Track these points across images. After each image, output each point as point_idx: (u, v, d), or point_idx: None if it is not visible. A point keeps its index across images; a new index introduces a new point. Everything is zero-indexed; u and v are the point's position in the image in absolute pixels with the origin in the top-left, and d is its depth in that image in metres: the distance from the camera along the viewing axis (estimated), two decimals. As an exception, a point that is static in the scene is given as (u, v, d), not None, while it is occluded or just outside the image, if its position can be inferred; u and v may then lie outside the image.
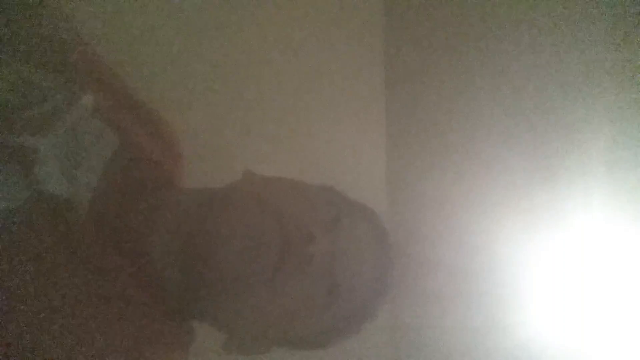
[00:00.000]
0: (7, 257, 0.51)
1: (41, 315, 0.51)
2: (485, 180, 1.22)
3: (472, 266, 1.20)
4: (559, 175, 1.14)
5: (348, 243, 0.64)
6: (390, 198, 1.32)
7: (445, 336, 1.24)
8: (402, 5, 1.37)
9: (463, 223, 1.23)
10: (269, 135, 1.06)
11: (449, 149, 1.29)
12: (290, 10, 1.16)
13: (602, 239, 1.07)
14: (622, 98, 1.06)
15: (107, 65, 0.69)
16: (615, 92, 1.06)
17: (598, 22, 1.07)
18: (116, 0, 0.88)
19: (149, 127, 0.70)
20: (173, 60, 0.94)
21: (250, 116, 1.04)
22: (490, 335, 1.17)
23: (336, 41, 1.25)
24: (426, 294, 1.26)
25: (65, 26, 0.61)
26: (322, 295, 0.62)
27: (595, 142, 1.10)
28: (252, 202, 0.62)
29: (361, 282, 0.65)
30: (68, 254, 0.54)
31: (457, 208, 1.23)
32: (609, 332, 1.07)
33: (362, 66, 1.34)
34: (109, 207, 0.60)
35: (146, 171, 0.66)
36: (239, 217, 0.60)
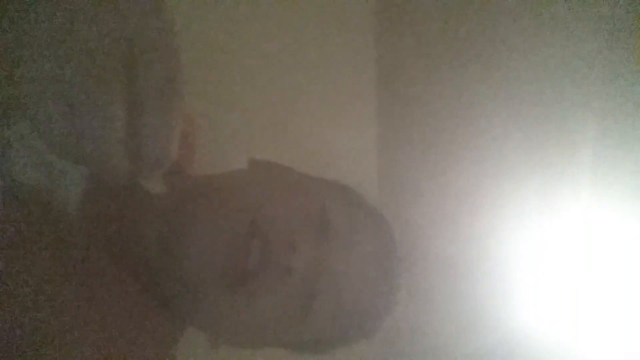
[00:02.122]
0: None
1: (22, 313, 0.48)
2: (478, 173, 1.23)
3: (465, 258, 1.20)
4: (549, 166, 1.15)
5: (336, 252, 0.58)
6: (382, 191, 1.32)
7: (440, 329, 1.24)
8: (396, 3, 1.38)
9: (455, 216, 1.24)
10: (262, 131, 1.06)
11: (441, 142, 1.29)
12: (286, 7, 1.16)
13: (596, 234, 1.09)
14: (611, 93, 1.07)
15: None
16: (605, 87, 1.08)
17: (591, 21, 1.08)
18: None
19: None
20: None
21: (244, 111, 1.05)
22: (484, 328, 1.18)
23: (328, 35, 1.25)
24: (419, 288, 1.27)
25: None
26: (296, 308, 0.57)
27: (583, 135, 1.11)
28: (233, 204, 0.57)
29: (355, 301, 0.59)
30: (51, 248, 0.51)
31: (449, 202, 1.23)
32: (603, 324, 1.09)
33: (354, 60, 1.34)
34: (100, 199, 0.56)
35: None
36: (218, 221, 0.55)
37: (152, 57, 0.40)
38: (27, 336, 0.48)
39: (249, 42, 1.08)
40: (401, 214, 1.29)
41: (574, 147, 1.13)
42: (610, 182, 1.06)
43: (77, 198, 0.54)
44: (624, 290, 1.07)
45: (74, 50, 0.38)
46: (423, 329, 1.28)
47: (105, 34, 0.38)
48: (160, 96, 0.40)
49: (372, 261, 0.61)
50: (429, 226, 1.27)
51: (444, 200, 1.27)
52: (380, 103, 1.38)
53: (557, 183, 1.12)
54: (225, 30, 1.03)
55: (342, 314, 0.59)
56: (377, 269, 0.62)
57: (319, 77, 1.24)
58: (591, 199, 1.11)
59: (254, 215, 0.55)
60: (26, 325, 0.48)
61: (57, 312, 0.50)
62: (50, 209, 0.53)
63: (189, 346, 0.64)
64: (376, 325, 0.65)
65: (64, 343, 0.49)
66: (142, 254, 0.57)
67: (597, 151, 1.10)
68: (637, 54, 1.03)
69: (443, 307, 1.24)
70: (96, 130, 0.39)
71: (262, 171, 0.65)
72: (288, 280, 0.55)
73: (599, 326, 1.10)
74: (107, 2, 0.39)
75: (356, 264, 0.59)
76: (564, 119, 1.12)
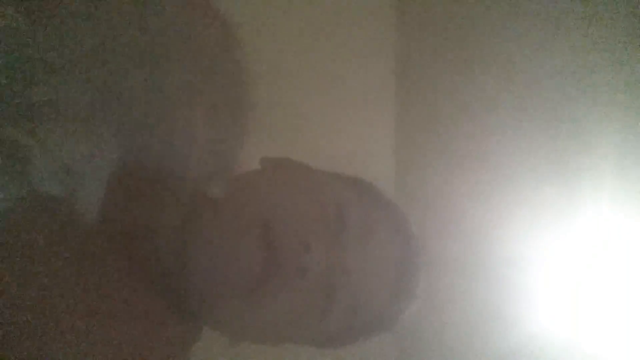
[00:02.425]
0: (3, 257, 0.49)
1: (40, 315, 0.49)
2: (493, 175, 1.22)
3: (479, 261, 1.20)
4: (567, 171, 1.14)
5: (353, 253, 0.57)
6: (398, 191, 1.32)
7: (450, 331, 1.24)
8: (415, 1, 1.37)
9: (471, 217, 1.23)
10: (279, 128, 1.06)
11: (458, 144, 1.29)
12: (306, 4, 1.16)
13: (610, 236, 1.07)
14: (632, 95, 1.05)
15: None
16: (625, 89, 1.06)
17: (610, 21, 1.06)
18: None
19: None
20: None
21: (262, 108, 1.05)
22: (495, 331, 1.17)
23: (348, 33, 1.24)
24: (432, 288, 1.26)
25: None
26: (314, 309, 0.56)
27: (604, 140, 1.09)
28: (246, 208, 0.57)
29: (374, 298, 0.59)
30: (69, 255, 0.52)
31: (465, 203, 1.23)
32: (616, 328, 1.07)
33: (373, 61, 1.33)
34: (118, 208, 0.57)
35: (159, 172, 0.62)
36: (224, 222, 0.55)
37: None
38: (45, 342, 0.49)
39: (267, 39, 1.08)
40: (417, 214, 1.28)
41: (593, 149, 1.11)
42: (632, 188, 1.04)
43: (96, 208, 0.55)
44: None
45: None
46: (435, 329, 1.27)
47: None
48: (232, 105, 0.42)
49: (390, 256, 0.60)
50: (446, 227, 1.26)
51: (461, 202, 1.26)
52: (399, 102, 1.37)
53: (577, 189, 1.10)
54: (242, 28, 1.02)
55: (361, 310, 0.59)
56: (395, 264, 0.61)
57: (337, 74, 1.24)
58: (611, 203, 1.09)
59: (267, 217, 0.55)
60: (43, 330, 0.49)
61: (74, 319, 0.50)
62: (69, 218, 0.54)
63: (204, 349, 0.64)
64: (396, 318, 0.64)
65: (81, 349, 0.50)
66: (159, 261, 0.57)
67: (619, 153, 1.08)
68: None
69: (457, 310, 1.23)
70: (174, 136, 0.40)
71: (275, 169, 0.64)
72: (302, 282, 0.54)
73: (615, 331, 1.09)
74: None
75: (373, 261, 0.58)
76: (584, 124, 1.10)
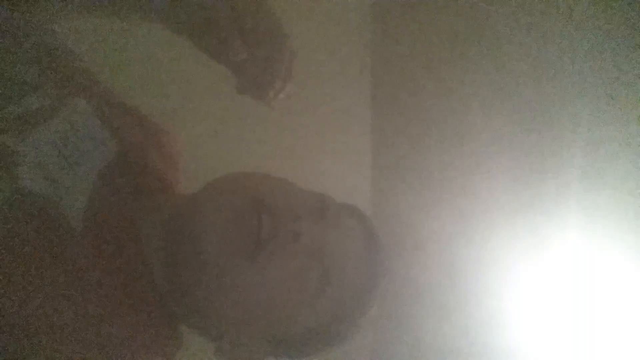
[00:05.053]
0: None
1: (24, 314, 0.50)
2: (471, 182, 1.23)
3: (459, 267, 1.20)
4: (541, 175, 1.15)
5: (336, 232, 0.61)
6: (375, 202, 1.32)
7: (434, 336, 1.23)
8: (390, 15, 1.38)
9: (449, 226, 1.24)
10: (259, 140, 1.06)
11: (436, 152, 1.29)
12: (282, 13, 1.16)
13: (580, 237, 1.09)
14: (604, 106, 1.06)
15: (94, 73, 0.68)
16: (603, 95, 1.07)
17: (591, 30, 1.08)
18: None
19: (149, 137, 0.69)
20: (170, 69, 0.93)
21: (243, 122, 1.04)
22: (479, 335, 1.17)
23: (324, 43, 1.25)
24: (413, 296, 1.26)
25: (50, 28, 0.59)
26: (312, 279, 0.59)
27: (573, 144, 1.11)
28: (234, 187, 0.60)
29: (351, 273, 0.62)
30: (54, 256, 0.53)
31: (443, 211, 1.23)
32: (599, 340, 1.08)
33: (348, 66, 1.34)
34: (103, 211, 0.58)
35: (143, 177, 0.65)
36: (221, 200, 0.58)
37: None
38: (31, 343, 0.49)
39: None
40: (394, 224, 1.28)
41: (564, 156, 1.13)
42: (598, 218, 1.06)
43: (82, 208, 0.57)
44: (615, 327, 1.07)
45: None
46: (418, 335, 1.27)
47: None
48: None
49: (355, 241, 0.64)
50: (423, 236, 1.27)
51: (438, 210, 1.27)
52: (374, 112, 1.38)
53: (548, 191, 1.12)
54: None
55: (348, 293, 0.62)
56: (365, 257, 0.64)
57: (313, 86, 1.24)
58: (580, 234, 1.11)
59: (260, 194, 0.58)
60: (27, 330, 0.49)
61: (58, 317, 0.51)
62: (55, 217, 0.55)
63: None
64: (374, 295, 0.66)
65: (68, 349, 0.51)
66: (145, 261, 0.59)
67: (585, 185, 1.10)
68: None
69: (439, 317, 1.23)
70: None
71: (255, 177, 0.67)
72: (297, 246, 0.57)
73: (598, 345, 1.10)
74: None
75: (351, 248, 0.63)
76: (555, 132, 1.12)
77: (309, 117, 1.21)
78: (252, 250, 0.55)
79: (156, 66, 0.94)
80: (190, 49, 0.56)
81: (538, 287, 1.12)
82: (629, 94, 1.03)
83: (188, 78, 0.97)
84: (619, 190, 1.01)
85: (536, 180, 1.13)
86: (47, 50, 0.63)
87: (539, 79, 1.14)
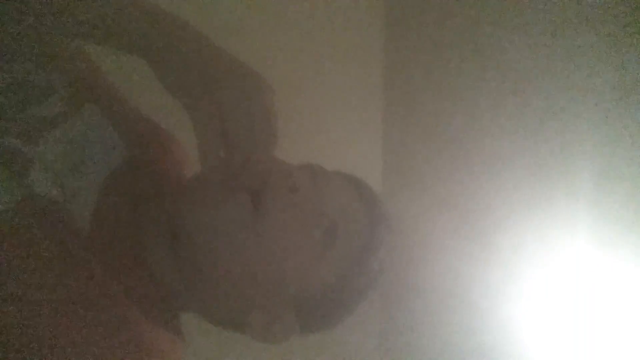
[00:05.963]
0: None
1: (31, 316, 0.50)
2: (481, 176, 1.22)
3: (465, 262, 1.20)
4: (550, 174, 1.14)
5: (333, 187, 0.61)
6: (386, 191, 1.32)
7: (435, 333, 1.25)
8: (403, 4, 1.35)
9: (458, 216, 1.24)
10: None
11: (445, 144, 1.29)
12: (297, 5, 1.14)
13: (591, 237, 1.08)
14: (617, 105, 1.04)
15: (108, 79, 0.69)
16: (611, 98, 1.05)
17: (597, 28, 1.05)
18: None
19: (159, 144, 0.70)
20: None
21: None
22: (480, 333, 1.19)
23: (337, 33, 1.23)
24: (417, 289, 1.27)
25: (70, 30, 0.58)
26: (319, 231, 0.58)
27: (584, 146, 1.09)
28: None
29: (355, 227, 0.61)
30: (62, 258, 0.54)
31: (451, 212, 1.23)
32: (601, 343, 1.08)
33: (361, 58, 1.32)
34: (110, 215, 0.59)
35: (151, 184, 0.65)
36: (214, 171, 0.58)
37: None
38: (37, 344, 0.50)
39: (257, 39, 1.06)
40: (403, 214, 1.29)
41: (574, 158, 1.12)
42: (608, 222, 1.04)
43: (89, 212, 0.58)
44: (620, 332, 1.06)
45: None
46: (420, 331, 1.29)
47: None
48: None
49: (353, 201, 0.63)
50: (432, 227, 1.27)
51: (448, 201, 1.27)
52: (386, 104, 1.37)
53: (558, 188, 1.11)
54: (232, 29, 1.01)
55: (355, 248, 0.61)
56: (359, 208, 0.63)
57: (326, 74, 1.23)
58: (590, 198, 1.09)
59: (254, 161, 0.58)
60: (33, 332, 0.50)
61: (64, 319, 0.52)
62: (63, 220, 0.56)
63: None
64: (378, 247, 0.64)
65: (73, 351, 0.51)
66: (151, 265, 0.60)
67: (594, 188, 1.09)
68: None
69: (441, 312, 1.24)
70: None
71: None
72: (295, 197, 0.58)
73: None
74: None
75: (352, 204, 0.62)
76: (566, 131, 1.10)
77: (318, 118, 1.21)
78: (249, 208, 0.56)
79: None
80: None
81: (545, 291, 1.11)
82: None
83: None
84: (629, 194, 1.00)
85: (545, 183, 1.12)
86: (61, 55, 0.63)
87: (549, 80, 1.11)
